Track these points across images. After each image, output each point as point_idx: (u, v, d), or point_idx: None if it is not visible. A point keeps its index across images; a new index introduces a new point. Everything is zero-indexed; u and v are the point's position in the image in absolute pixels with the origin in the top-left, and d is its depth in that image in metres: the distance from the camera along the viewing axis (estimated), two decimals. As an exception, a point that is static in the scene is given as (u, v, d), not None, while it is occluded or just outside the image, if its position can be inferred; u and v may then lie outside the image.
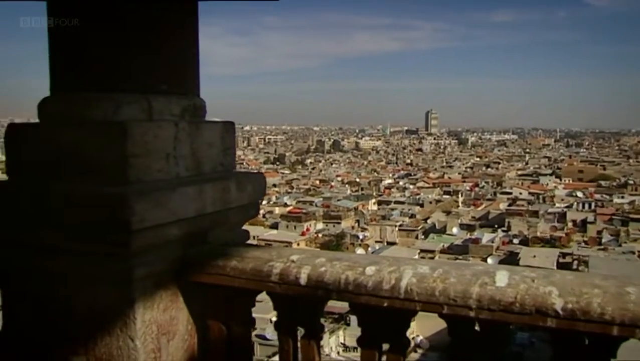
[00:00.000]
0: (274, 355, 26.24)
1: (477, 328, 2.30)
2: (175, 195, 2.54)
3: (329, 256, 2.56)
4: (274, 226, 75.79)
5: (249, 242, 3.14)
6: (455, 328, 2.33)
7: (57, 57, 2.81)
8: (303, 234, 72.90)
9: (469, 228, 74.48)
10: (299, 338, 2.67)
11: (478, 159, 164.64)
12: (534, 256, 52.19)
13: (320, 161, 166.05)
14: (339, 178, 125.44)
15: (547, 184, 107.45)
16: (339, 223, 79.52)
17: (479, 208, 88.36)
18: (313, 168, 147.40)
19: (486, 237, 66.28)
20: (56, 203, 2.51)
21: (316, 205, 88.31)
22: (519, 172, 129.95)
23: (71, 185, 2.54)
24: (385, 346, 2.48)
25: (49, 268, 2.67)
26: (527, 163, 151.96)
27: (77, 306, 2.67)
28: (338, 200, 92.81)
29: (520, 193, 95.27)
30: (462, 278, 2.24)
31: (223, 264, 2.63)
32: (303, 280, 2.46)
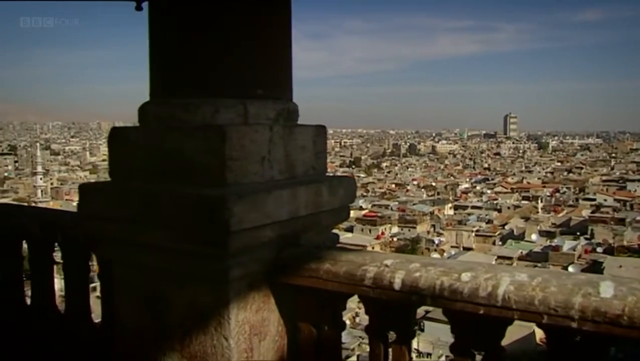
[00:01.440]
0: (347, 358, 26.26)
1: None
2: (270, 197, 2.58)
3: (423, 261, 2.54)
4: (349, 229, 75.75)
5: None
6: (555, 338, 2.26)
7: (156, 63, 2.92)
8: (378, 238, 72.55)
9: (548, 235, 72.10)
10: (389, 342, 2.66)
11: (559, 164, 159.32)
12: (620, 266, 49.70)
13: (396, 165, 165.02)
14: (415, 182, 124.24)
15: (635, 190, 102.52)
16: (415, 227, 78.75)
17: (560, 215, 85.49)
18: (389, 172, 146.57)
19: (567, 244, 63.92)
20: (161, 204, 2.61)
21: (391, 209, 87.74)
22: (604, 178, 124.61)
23: (173, 187, 2.63)
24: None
25: (153, 266, 2.77)
26: (612, 169, 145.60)
27: (176, 304, 2.76)
28: (414, 204, 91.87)
29: (605, 200, 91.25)
30: (564, 287, 2.17)
31: (316, 267, 2.65)
32: (397, 284, 2.44)
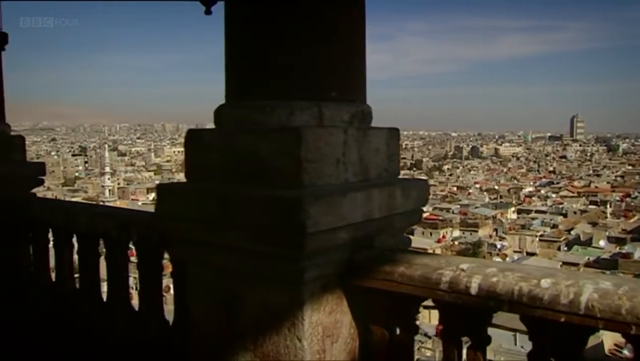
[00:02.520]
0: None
1: None
2: (345, 200, 2.59)
3: (500, 266, 2.50)
4: (410, 232, 74.77)
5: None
6: (643, 349, 2.18)
7: (232, 66, 2.96)
8: (439, 241, 71.70)
9: (618, 241, 69.53)
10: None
11: (630, 167, 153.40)
12: (696, 275, 47.54)
13: (457, 167, 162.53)
14: (477, 185, 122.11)
15: None
16: (476, 231, 77.47)
17: (631, 221, 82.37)
18: (450, 175, 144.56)
19: (639, 251, 61.54)
20: (236, 205, 2.64)
21: (453, 212, 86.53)
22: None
23: (248, 188, 2.67)
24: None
25: (227, 266, 2.82)
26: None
27: (250, 304, 2.80)
28: (476, 208, 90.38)
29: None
30: (653, 297, 2.09)
31: (390, 270, 2.63)
32: (474, 289, 2.41)
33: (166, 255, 3.85)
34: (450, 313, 2.59)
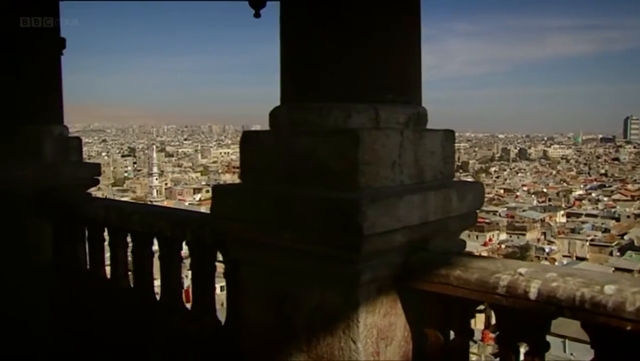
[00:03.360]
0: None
1: None
2: (401, 202, 2.58)
3: (560, 271, 2.45)
4: (455, 234, 74.15)
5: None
6: None
7: (288, 68, 2.98)
8: (485, 244, 70.70)
9: (674, 246, 67.40)
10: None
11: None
12: None
13: (505, 170, 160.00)
14: (525, 188, 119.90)
15: None
16: (524, 234, 76.14)
17: (687, 225, 79.67)
18: (497, 177, 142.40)
19: (696, 257, 59.55)
20: (291, 206, 2.66)
21: (500, 215, 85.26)
22: None
23: (304, 189, 2.69)
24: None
25: (282, 266, 2.84)
26: None
27: (304, 305, 2.81)
28: (523, 211, 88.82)
29: None
30: None
31: (446, 273, 2.61)
32: (533, 294, 2.36)
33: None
34: (507, 318, 2.55)
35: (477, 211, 3.11)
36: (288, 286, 2.87)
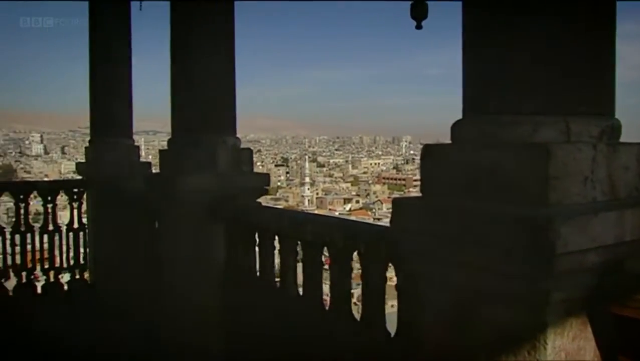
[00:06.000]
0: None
1: None
2: (596, 220, 2.44)
3: None
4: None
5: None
6: None
7: (471, 80, 2.93)
8: None
9: None
10: None
11: None
12: None
13: None
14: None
15: None
16: None
17: None
18: None
19: None
20: (477, 222, 2.61)
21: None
22: None
23: (489, 205, 2.63)
24: None
25: (463, 283, 2.79)
26: None
27: (485, 322, 2.74)
28: None
29: None
30: None
31: (646, 298, 2.44)
32: None
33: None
34: None
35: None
36: (468, 302, 2.81)
